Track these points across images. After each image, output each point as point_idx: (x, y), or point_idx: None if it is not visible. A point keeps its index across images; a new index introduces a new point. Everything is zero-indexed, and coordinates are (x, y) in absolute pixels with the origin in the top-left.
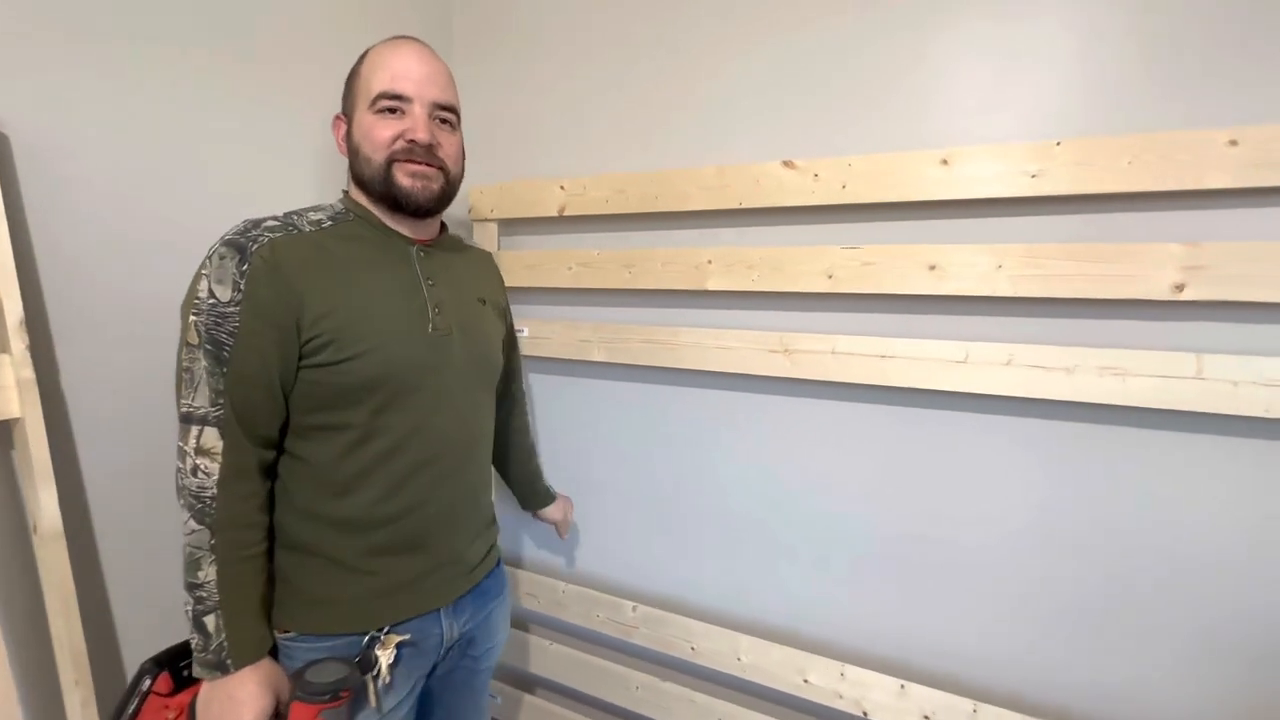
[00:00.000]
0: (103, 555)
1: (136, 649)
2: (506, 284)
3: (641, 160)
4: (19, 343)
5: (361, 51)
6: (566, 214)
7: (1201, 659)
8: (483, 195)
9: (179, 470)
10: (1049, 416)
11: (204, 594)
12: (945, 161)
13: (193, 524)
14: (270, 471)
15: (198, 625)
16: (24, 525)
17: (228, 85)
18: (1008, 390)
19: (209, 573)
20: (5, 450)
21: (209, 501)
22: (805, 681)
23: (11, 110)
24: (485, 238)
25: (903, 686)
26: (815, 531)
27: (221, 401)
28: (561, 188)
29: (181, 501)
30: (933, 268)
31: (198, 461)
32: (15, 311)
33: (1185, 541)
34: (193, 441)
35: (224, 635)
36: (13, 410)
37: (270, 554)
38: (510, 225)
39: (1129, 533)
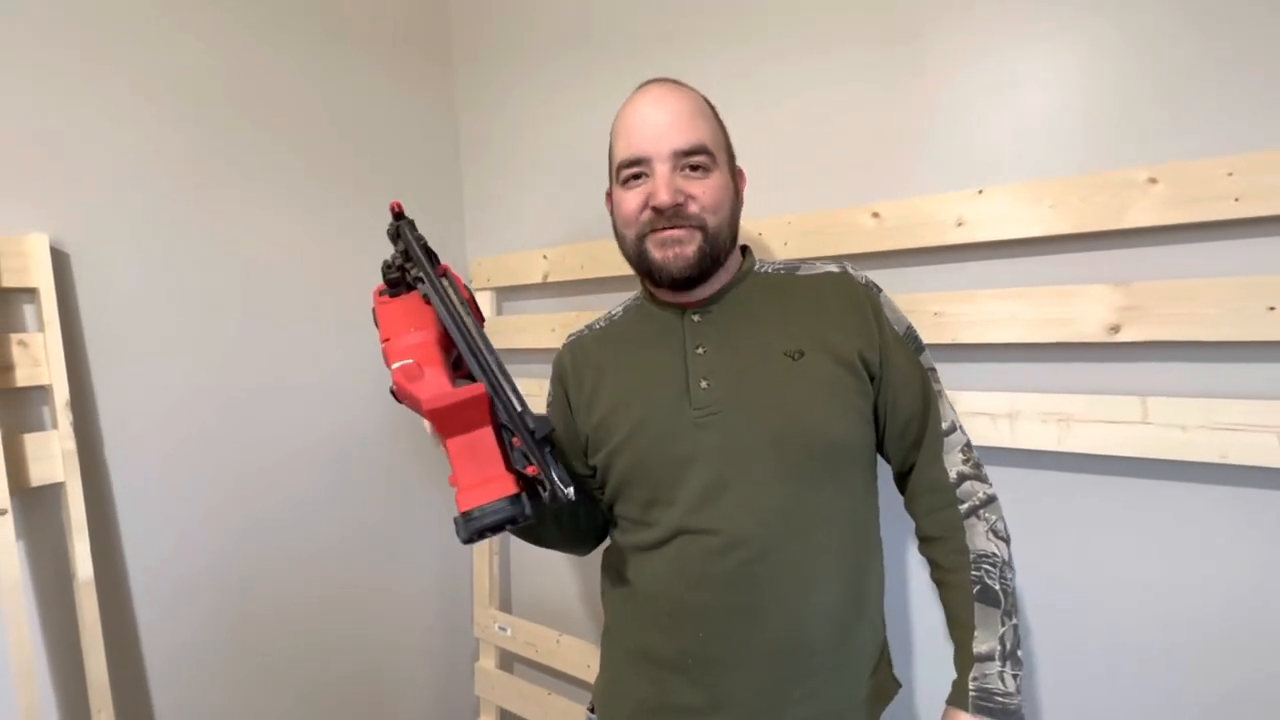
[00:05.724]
0: (135, 601)
1: (162, 682)
2: (501, 346)
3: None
4: (65, 420)
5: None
6: (550, 280)
7: None
8: (480, 266)
9: None
10: None
11: None
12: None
13: None
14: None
15: None
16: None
17: (240, 205)
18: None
19: None
20: (56, 510)
21: None
22: None
23: (73, 235)
24: (484, 305)
25: None
26: None
27: None
28: (544, 257)
29: None
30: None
31: None
32: (63, 394)
33: None
34: None
35: None
36: (58, 475)
37: None
38: (506, 292)
39: None
